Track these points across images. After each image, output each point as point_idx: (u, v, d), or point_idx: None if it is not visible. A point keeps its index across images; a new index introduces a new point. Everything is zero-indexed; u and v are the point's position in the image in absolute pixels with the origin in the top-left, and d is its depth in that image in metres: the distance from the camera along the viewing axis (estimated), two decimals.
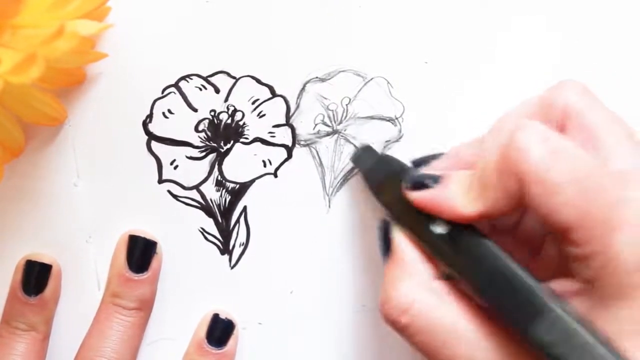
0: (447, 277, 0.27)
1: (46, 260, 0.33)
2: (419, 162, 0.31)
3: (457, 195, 0.26)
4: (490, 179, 0.25)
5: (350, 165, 0.34)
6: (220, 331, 0.33)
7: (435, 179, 0.27)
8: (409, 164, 0.31)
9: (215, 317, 0.33)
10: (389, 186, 0.29)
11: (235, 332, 0.33)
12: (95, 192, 0.34)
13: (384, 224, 0.29)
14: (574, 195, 0.23)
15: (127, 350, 0.32)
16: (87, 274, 0.34)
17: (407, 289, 0.26)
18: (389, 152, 0.33)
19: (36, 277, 0.32)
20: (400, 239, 0.28)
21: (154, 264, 0.33)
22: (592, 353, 0.22)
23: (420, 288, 0.26)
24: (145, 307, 0.33)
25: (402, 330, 0.26)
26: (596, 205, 0.23)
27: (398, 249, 0.28)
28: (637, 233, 0.23)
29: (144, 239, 0.33)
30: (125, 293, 0.32)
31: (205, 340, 0.33)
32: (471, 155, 0.28)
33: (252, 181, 0.34)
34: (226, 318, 0.33)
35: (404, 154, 0.33)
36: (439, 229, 0.26)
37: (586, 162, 0.24)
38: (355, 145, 0.34)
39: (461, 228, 0.26)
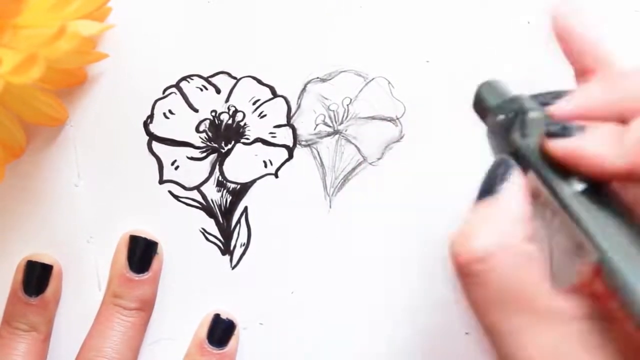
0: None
1: (47, 261, 0.33)
2: (546, 100, 0.26)
3: (604, 148, 0.23)
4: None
5: (351, 165, 0.34)
6: (221, 331, 0.33)
7: (577, 129, 0.23)
8: (532, 102, 0.27)
9: (216, 317, 0.33)
10: (520, 129, 0.26)
11: (236, 332, 0.33)
12: (96, 192, 0.34)
13: (499, 163, 0.25)
14: None
15: (128, 350, 0.32)
16: (88, 274, 0.34)
17: (494, 239, 0.23)
18: (390, 152, 0.33)
19: (37, 277, 0.32)
20: (519, 183, 0.24)
21: (154, 264, 0.33)
22: None
23: (508, 244, 0.23)
24: (146, 307, 0.33)
25: (468, 276, 0.23)
26: None
27: (510, 192, 0.24)
28: None
29: (145, 239, 0.33)
30: (126, 293, 0.32)
31: (206, 341, 0.33)
32: (603, 105, 0.24)
33: (253, 181, 0.34)
34: (227, 318, 0.33)
35: (405, 154, 0.33)
36: (576, 185, 0.23)
37: None
38: (357, 146, 0.34)
39: (602, 188, 0.23)
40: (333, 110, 0.34)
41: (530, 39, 0.34)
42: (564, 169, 0.23)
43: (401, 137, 0.34)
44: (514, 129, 0.26)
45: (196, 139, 0.34)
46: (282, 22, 0.34)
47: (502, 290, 0.22)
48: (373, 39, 0.33)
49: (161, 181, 0.34)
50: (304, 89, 0.34)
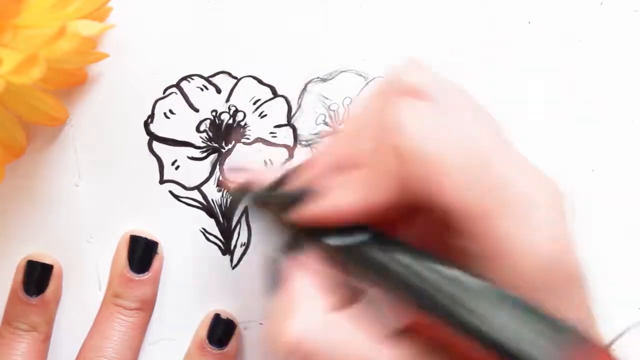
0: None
1: (47, 261, 0.33)
2: (277, 184, 0.27)
3: (339, 197, 0.23)
4: (366, 162, 0.23)
5: None
6: (221, 331, 0.33)
7: (311, 192, 0.24)
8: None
9: (217, 317, 0.33)
10: (274, 220, 0.27)
11: (236, 332, 0.33)
12: (96, 192, 0.34)
13: (271, 260, 0.26)
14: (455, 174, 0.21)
15: (129, 350, 0.32)
16: (88, 274, 0.34)
17: (299, 323, 0.23)
18: None
19: (37, 277, 0.32)
20: (292, 267, 0.25)
21: (155, 264, 0.33)
22: (539, 337, 0.20)
23: (315, 321, 0.23)
24: (146, 307, 0.33)
25: None
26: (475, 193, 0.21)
27: (288, 279, 0.24)
28: (515, 216, 0.21)
29: (145, 239, 0.33)
30: (126, 293, 0.32)
31: (207, 341, 0.33)
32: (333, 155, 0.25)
33: None
34: (227, 318, 0.33)
35: None
36: (332, 241, 0.24)
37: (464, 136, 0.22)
38: None
39: (359, 231, 0.24)
40: (334, 110, 0.34)
41: (530, 38, 0.34)
42: (319, 232, 0.24)
43: None
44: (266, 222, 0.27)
45: (197, 139, 0.34)
46: (283, 22, 0.34)
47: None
48: (373, 38, 0.33)
49: (162, 181, 0.34)
50: (304, 89, 0.34)
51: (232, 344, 0.33)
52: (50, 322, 0.33)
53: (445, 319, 0.22)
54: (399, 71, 0.24)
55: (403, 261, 0.23)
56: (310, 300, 0.24)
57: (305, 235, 0.25)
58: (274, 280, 0.25)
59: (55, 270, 0.33)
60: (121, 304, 0.32)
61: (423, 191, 0.22)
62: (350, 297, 0.24)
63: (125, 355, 0.32)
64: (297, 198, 0.25)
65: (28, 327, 0.32)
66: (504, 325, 0.21)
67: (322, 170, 0.25)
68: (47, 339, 0.33)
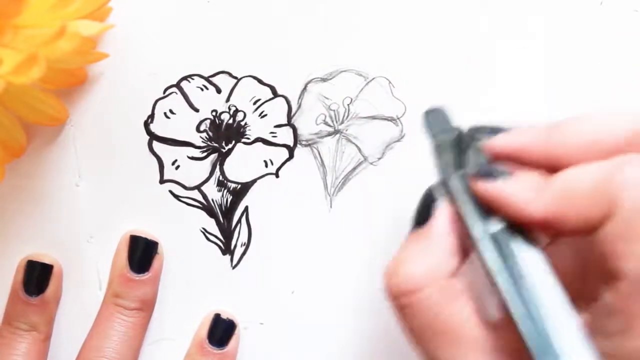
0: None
1: (47, 261, 0.33)
2: (483, 134, 0.27)
3: (526, 194, 0.24)
4: (578, 189, 0.23)
5: (352, 165, 0.34)
6: (221, 331, 0.33)
7: (509, 173, 0.25)
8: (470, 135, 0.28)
9: (217, 317, 0.33)
10: (454, 161, 0.27)
11: (236, 332, 0.33)
12: (96, 192, 0.34)
13: (429, 195, 0.26)
14: None
15: (129, 350, 0.32)
16: (88, 274, 0.34)
17: (422, 273, 0.24)
18: (390, 152, 0.33)
19: (37, 277, 0.32)
20: (444, 220, 0.25)
21: (155, 264, 0.33)
22: None
23: (434, 278, 0.24)
24: (146, 307, 0.33)
25: (399, 308, 0.25)
26: None
27: (437, 224, 0.25)
28: None
29: (145, 239, 0.33)
30: (126, 293, 0.32)
31: (207, 341, 0.33)
32: (536, 147, 0.25)
33: (254, 181, 0.34)
34: (227, 318, 0.33)
35: (406, 154, 0.33)
36: (494, 226, 0.24)
37: None
38: (357, 146, 0.34)
39: (517, 231, 0.24)
40: (334, 110, 0.34)
41: (528, 38, 0.34)
42: (489, 209, 0.25)
43: (402, 137, 0.34)
44: (449, 160, 0.27)
45: (197, 139, 0.34)
46: (283, 22, 0.33)
47: (430, 322, 0.24)
48: (373, 38, 0.33)
49: (162, 181, 0.34)
50: (304, 89, 0.34)
51: (232, 343, 0.33)
52: (50, 322, 0.33)
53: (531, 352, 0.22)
54: None
55: (527, 271, 0.23)
56: (443, 254, 0.25)
57: (470, 200, 0.25)
58: (420, 215, 0.26)
59: (55, 270, 0.33)
60: (121, 304, 0.32)
61: (606, 247, 0.22)
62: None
63: (126, 355, 0.32)
64: (484, 172, 0.25)
65: (28, 327, 0.32)
66: None
67: (528, 146, 0.25)
68: (47, 338, 0.33)
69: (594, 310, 0.23)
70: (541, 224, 0.24)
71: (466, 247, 0.25)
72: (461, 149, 0.26)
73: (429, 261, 0.25)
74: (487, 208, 0.25)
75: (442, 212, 0.26)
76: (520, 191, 0.24)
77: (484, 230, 0.24)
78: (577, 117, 0.25)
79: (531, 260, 0.24)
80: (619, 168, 0.23)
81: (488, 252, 0.24)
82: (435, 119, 0.28)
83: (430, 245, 0.25)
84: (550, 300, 0.23)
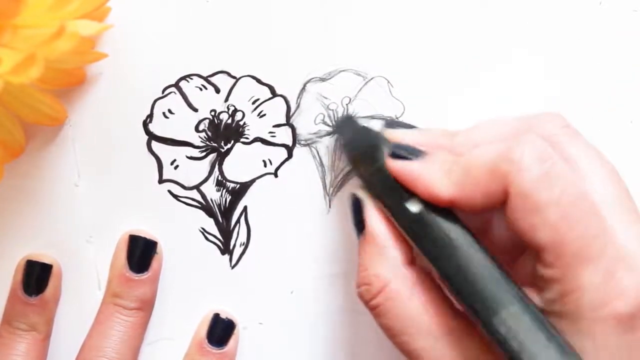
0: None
1: (46, 261, 0.33)
2: (391, 125, 0.31)
3: (436, 175, 0.26)
4: (476, 171, 0.25)
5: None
6: (220, 331, 0.33)
7: (418, 153, 0.27)
8: (382, 125, 0.31)
9: (216, 317, 0.33)
10: (368, 157, 0.28)
11: (235, 332, 0.33)
12: (95, 192, 0.34)
13: (355, 199, 0.28)
14: (555, 218, 0.23)
15: (128, 350, 0.32)
16: (87, 273, 0.34)
17: (382, 271, 0.26)
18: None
19: (37, 277, 0.32)
20: (374, 216, 0.27)
21: (154, 264, 0.33)
22: (547, 352, 0.22)
23: (393, 272, 0.26)
24: (145, 307, 0.33)
25: (371, 309, 0.27)
26: (574, 235, 0.23)
27: (371, 228, 0.27)
28: (605, 271, 0.23)
29: (144, 239, 0.33)
30: (125, 293, 0.32)
31: (206, 340, 0.33)
32: (442, 145, 0.28)
33: (253, 181, 0.34)
34: (227, 318, 0.33)
35: None
36: (413, 207, 0.26)
37: (576, 190, 0.24)
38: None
39: (436, 209, 0.26)
40: (332, 110, 0.34)
41: (527, 39, 0.34)
42: (405, 191, 0.26)
43: None
44: (364, 158, 0.29)
45: (196, 139, 0.34)
46: (282, 22, 0.33)
47: (399, 317, 0.26)
48: (372, 38, 0.33)
49: (161, 181, 0.34)
50: (303, 89, 0.34)
51: (231, 343, 0.33)
52: (49, 322, 0.33)
53: (473, 314, 0.24)
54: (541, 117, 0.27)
55: (455, 241, 0.25)
56: (390, 249, 0.27)
57: (389, 188, 0.27)
58: (355, 221, 0.28)
59: (54, 270, 0.33)
60: (121, 303, 0.32)
61: (516, 225, 0.24)
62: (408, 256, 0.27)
63: (126, 355, 0.32)
64: (398, 152, 0.27)
65: (28, 327, 0.32)
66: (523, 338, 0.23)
67: (433, 141, 0.28)
68: (46, 338, 0.33)
69: (538, 291, 0.25)
70: (449, 203, 0.25)
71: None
72: (376, 147, 0.28)
73: (380, 261, 0.27)
74: (406, 190, 0.26)
75: (371, 211, 0.28)
76: (431, 171, 0.26)
77: (404, 212, 0.26)
78: (476, 123, 0.28)
79: (454, 233, 0.25)
80: (510, 147, 0.24)
81: (412, 232, 0.26)
82: (345, 126, 0.31)
83: (375, 246, 0.27)
84: (479, 262, 0.24)
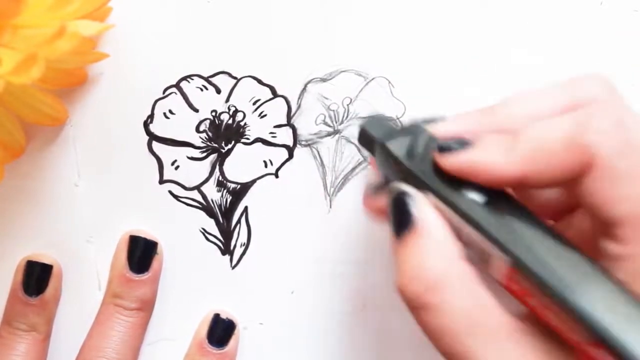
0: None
1: (47, 261, 0.33)
2: (427, 122, 0.28)
3: (496, 157, 0.24)
4: (551, 144, 0.23)
5: (351, 165, 0.34)
6: (221, 331, 0.33)
7: (467, 143, 0.25)
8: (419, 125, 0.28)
9: (216, 317, 0.33)
10: (411, 154, 0.26)
11: (236, 332, 0.33)
12: (96, 192, 0.34)
13: (399, 195, 0.26)
14: (638, 191, 0.22)
15: (128, 350, 0.32)
16: (87, 274, 0.34)
17: (437, 266, 0.24)
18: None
19: (37, 277, 0.32)
20: (429, 210, 0.25)
21: (154, 264, 0.33)
22: (636, 327, 0.21)
23: (450, 267, 0.24)
24: (146, 307, 0.33)
25: (423, 308, 0.24)
26: None
27: (425, 222, 0.25)
28: None
29: (145, 239, 0.33)
30: (126, 293, 0.32)
31: (206, 341, 0.33)
32: (485, 125, 0.26)
33: (253, 181, 0.34)
34: (227, 318, 0.33)
35: None
36: (477, 197, 0.24)
37: None
38: (357, 146, 0.34)
39: (498, 196, 0.24)
40: (333, 110, 0.34)
41: (527, 39, 0.34)
42: (459, 183, 0.24)
43: None
44: (402, 155, 0.26)
45: (196, 139, 0.34)
46: (283, 22, 0.33)
47: (454, 315, 0.23)
48: (373, 38, 0.33)
49: (161, 181, 0.34)
50: (304, 89, 0.34)
51: (231, 343, 0.33)
52: (49, 322, 0.33)
53: (553, 295, 0.22)
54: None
55: (524, 225, 0.24)
56: (444, 244, 0.24)
57: (442, 181, 0.25)
58: (402, 219, 0.25)
59: (54, 271, 0.33)
60: (121, 304, 0.32)
61: (595, 197, 0.23)
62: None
63: (126, 355, 0.32)
64: (447, 146, 0.25)
65: (28, 327, 0.32)
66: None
67: (475, 123, 0.26)
68: (46, 338, 0.33)
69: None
70: (517, 182, 0.24)
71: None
72: (411, 144, 0.26)
73: (438, 254, 0.24)
74: (459, 182, 0.25)
75: (423, 204, 0.25)
76: (489, 155, 0.24)
77: (470, 202, 0.24)
78: (512, 95, 0.26)
79: (522, 216, 0.24)
80: (588, 117, 0.23)
81: (486, 220, 0.24)
82: (375, 125, 0.28)
83: (429, 239, 0.24)
84: (552, 242, 0.23)
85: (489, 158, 0.24)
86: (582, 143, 0.23)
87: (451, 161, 0.25)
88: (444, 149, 0.25)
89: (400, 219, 0.25)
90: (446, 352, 0.23)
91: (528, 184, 0.24)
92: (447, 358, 0.24)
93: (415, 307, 0.24)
